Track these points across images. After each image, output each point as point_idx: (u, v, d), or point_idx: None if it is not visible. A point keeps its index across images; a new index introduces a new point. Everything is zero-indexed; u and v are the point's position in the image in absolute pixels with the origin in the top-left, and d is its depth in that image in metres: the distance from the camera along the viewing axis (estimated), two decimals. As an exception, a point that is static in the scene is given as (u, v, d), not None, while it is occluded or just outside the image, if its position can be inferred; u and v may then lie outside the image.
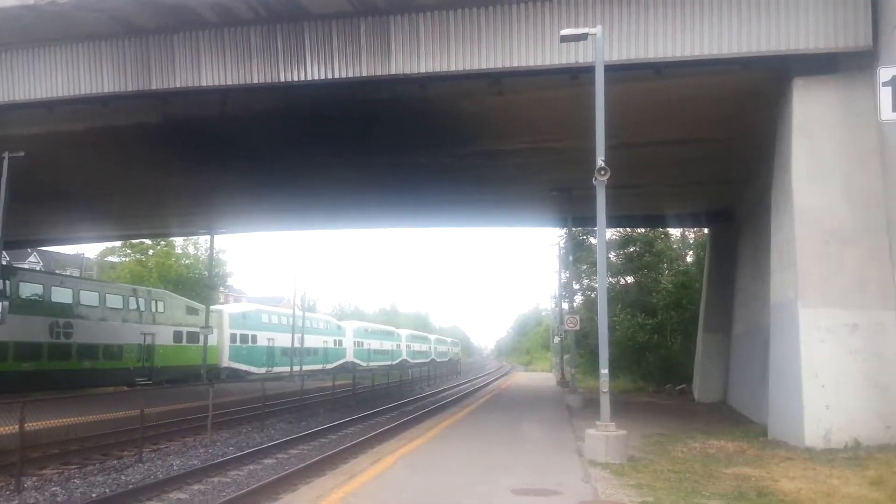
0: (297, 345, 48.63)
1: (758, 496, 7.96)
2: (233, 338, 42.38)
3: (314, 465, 13.09)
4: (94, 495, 10.95)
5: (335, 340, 61.09)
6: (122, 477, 12.56)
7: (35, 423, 13.60)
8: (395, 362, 71.44)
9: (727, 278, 24.43)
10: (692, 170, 21.02)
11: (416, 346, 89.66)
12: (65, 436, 15.83)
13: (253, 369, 42.73)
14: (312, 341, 54.53)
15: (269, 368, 44.74)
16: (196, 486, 11.85)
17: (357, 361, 63.01)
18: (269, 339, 46.50)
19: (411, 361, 75.93)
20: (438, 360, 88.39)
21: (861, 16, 12.31)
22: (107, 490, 11.40)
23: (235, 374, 40.64)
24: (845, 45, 12.46)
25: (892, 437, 10.85)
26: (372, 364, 63.31)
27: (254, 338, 44.86)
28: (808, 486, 8.39)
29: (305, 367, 47.73)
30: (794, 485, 8.52)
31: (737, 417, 18.72)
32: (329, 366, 54.84)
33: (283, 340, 47.95)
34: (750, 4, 12.68)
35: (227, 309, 45.03)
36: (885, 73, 5.48)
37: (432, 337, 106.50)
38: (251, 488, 11.12)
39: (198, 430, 18.02)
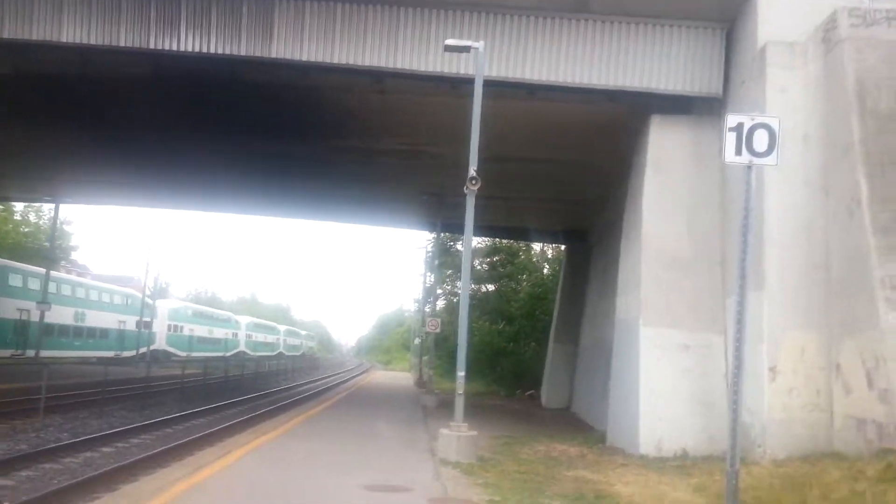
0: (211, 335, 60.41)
1: (595, 498, 8.53)
2: (169, 327, 52.52)
3: (157, 456, 12.47)
4: None
5: (233, 333, 67.84)
6: (-67, 462, 11.38)
7: None
8: (228, 353, 64.75)
9: (578, 293, 25.82)
10: (555, 188, 22.13)
11: (261, 337, 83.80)
12: None
13: (180, 353, 51.72)
14: (218, 333, 64.19)
15: (189, 353, 52.54)
16: (24, 473, 10.96)
17: (247, 351, 68.50)
18: (190, 330, 56.29)
19: (251, 353, 70.54)
20: (288, 353, 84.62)
21: (715, 67, 13.57)
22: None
23: (168, 356, 49.37)
24: (700, 90, 13.66)
25: (716, 449, 11.86)
26: (258, 354, 67.02)
27: (181, 328, 55.10)
28: (641, 491, 9.09)
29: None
30: (629, 489, 9.20)
31: (580, 424, 19.80)
32: (227, 353, 60.37)
33: (200, 331, 58.81)
34: (620, 43, 13.60)
35: (164, 304, 55.53)
36: (731, 120, 6.09)
37: (282, 328, 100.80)
38: (87, 477, 10.44)
39: (28, 414, 16.66)
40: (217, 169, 22.49)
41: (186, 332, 59.44)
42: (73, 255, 60.07)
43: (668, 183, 13.73)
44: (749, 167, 6.06)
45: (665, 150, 13.80)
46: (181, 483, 8.00)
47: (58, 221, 38.64)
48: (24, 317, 35.45)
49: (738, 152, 6.05)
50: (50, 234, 39.00)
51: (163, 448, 13.42)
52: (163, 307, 56.12)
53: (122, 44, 13.81)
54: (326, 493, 8.02)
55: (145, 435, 15.86)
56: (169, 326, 56.09)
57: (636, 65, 13.57)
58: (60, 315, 38.83)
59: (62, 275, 46.04)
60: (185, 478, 8.34)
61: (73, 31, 13.73)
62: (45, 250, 39.68)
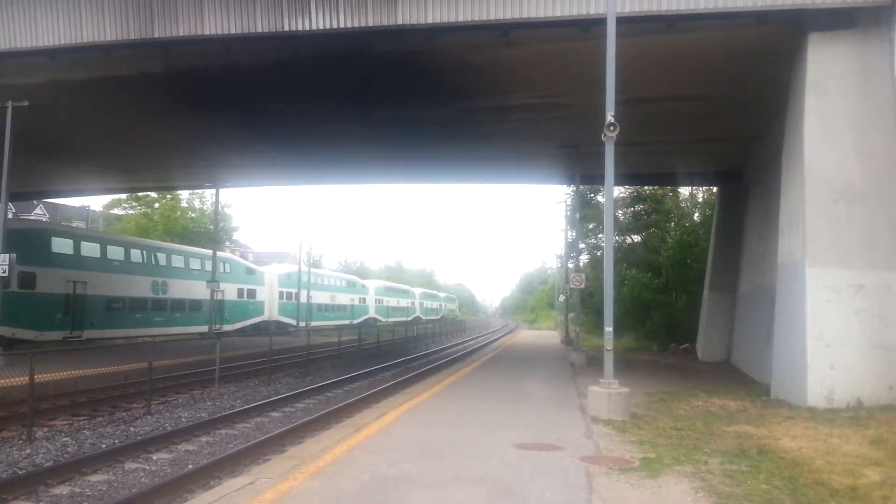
0: (331, 302, 57.64)
1: (759, 454, 8.00)
2: (280, 295, 48.89)
3: (320, 419, 13.27)
4: (103, 446, 11.13)
5: (360, 298, 66.49)
6: (132, 429, 12.76)
7: (45, 375, 13.80)
8: (356, 321, 67.93)
9: (735, 238, 24.34)
10: (703, 127, 20.75)
11: (393, 301, 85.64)
12: (74, 388, 16.05)
13: (295, 322, 48.02)
14: (342, 299, 62.07)
15: (309, 322, 48.64)
16: (204, 438, 12.04)
17: (378, 317, 67.92)
18: (308, 297, 50.90)
19: (383, 320, 73.76)
20: (426, 317, 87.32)
21: (882, -33, 11.96)
22: (116, 441, 11.58)
23: (282, 327, 45.75)
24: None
25: (895, 398, 10.87)
26: (391, 320, 67.73)
27: (296, 295, 49.61)
28: (809, 445, 8.43)
29: (335, 322, 53.58)
30: (796, 443, 8.56)
31: (740, 377, 18.81)
32: (355, 321, 60.41)
33: (319, 298, 54.96)
34: (768, -44, 12.32)
35: (275, 270, 51.46)
36: (905, 28, 5.27)
37: (417, 290, 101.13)
38: (258, 440, 11.29)
39: (205, 384, 18.27)
40: (353, 142, 23.20)
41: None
42: (235, 236, 64.76)
43: (831, 107, 12.41)
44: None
45: (826, 71, 12.47)
46: (342, 444, 8.37)
47: (219, 205, 41.57)
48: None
49: (915, 62, 5.26)
50: (213, 218, 42.12)
51: (324, 411, 14.27)
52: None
53: (259, 30, 14.46)
54: (479, 450, 8.08)
55: (308, 399, 16.94)
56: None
57: (787, -21, 12.26)
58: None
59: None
60: (346, 439, 8.71)
61: (214, 24, 14.54)
62: (211, 233, 42.99)
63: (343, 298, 61.90)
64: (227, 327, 38.74)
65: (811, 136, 12.47)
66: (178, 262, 37.37)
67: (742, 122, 19.43)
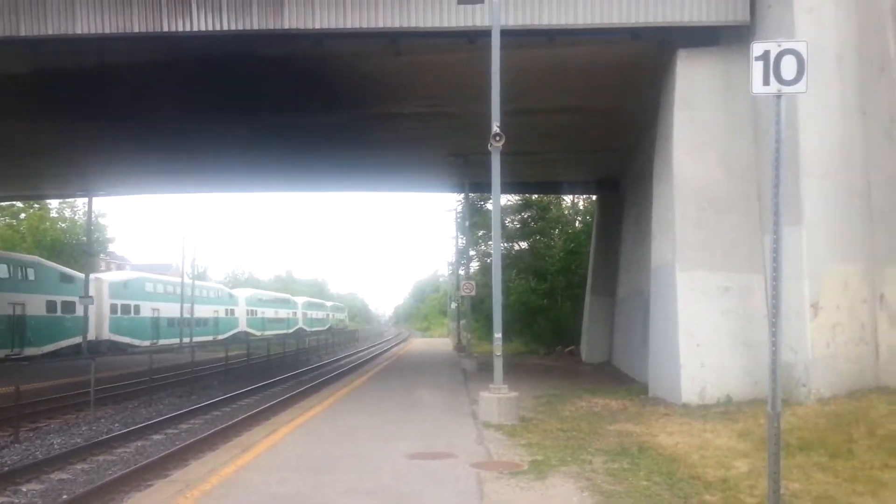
0: (185, 315, 46.79)
1: (639, 451, 8.41)
2: (113, 308, 39.33)
3: (206, 439, 12.75)
4: (-38, 479, 10.20)
5: (227, 310, 57.40)
6: (-4, 459, 11.77)
7: None
8: (291, 331, 69.65)
9: (612, 244, 25.50)
10: (584, 138, 21.65)
11: (314, 314, 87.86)
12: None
13: (136, 342, 40.64)
14: (202, 311, 51.69)
15: (155, 341, 42.60)
16: (79, 466, 11.28)
17: (250, 331, 60.14)
18: (153, 310, 43.75)
19: (308, 329, 74.65)
20: (310, 328, 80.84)
21: (740, -8, 12.92)
22: (-23, 473, 10.65)
23: (117, 347, 38.49)
24: (726, 18, 13.02)
25: (760, 392, 11.66)
26: (267, 333, 60.50)
27: (136, 308, 42.00)
28: (685, 440, 8.96)
29: (195, 339, 45.99)
30: (672, 439, 9.07)
31: (621, 377, 19.68)
32: (221, 336, 52.28)
33: (169, 311, 45.90)
34: (638, -25, 13.02)
35: (106, 277, 41.77)
36: (757, 48, 5.73)
37: (328, 303, 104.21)
38: (139, 465, 10.70)
39: (80, 407, 17.11)
40: (240, 148, 22.50)
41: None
42: (111, 247, 61.16)
43: (698, 119, 13.26)
44: (778, 96, 5.72)
45: (693, 86, 13.31)
46: (230, 464, 8.06)
47: (92, 215, 39.17)
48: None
49: (766, 82, 5.71)
50: (86, 229, 39.62)
51: (211, 431, 13.79)
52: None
53: (135, 29, 13.68)
54: (372, 463, 8.03)
55: (194, 420, 16.27)
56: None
57: (657, -1, 13.01)
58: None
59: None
60: (234, 459, 8.43)
61: (86, 23, 13.64)
62: (83, 245, 40.45)
63: (204, 311, 52.41)
64: (30, 351, 30.85)
65: (679, 147, 13.27)
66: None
67: (619, 134, 20.43)
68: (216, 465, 8.15)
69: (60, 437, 13.70)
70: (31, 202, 46.58)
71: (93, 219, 39.94)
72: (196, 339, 46.37)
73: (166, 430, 14.68)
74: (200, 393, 21.21)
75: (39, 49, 14.66)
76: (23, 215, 49.13)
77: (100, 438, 13.22)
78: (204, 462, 8.77)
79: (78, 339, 33.81)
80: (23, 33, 13.79)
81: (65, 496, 9.26)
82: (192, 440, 12.76)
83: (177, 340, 44.39)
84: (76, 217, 50.08)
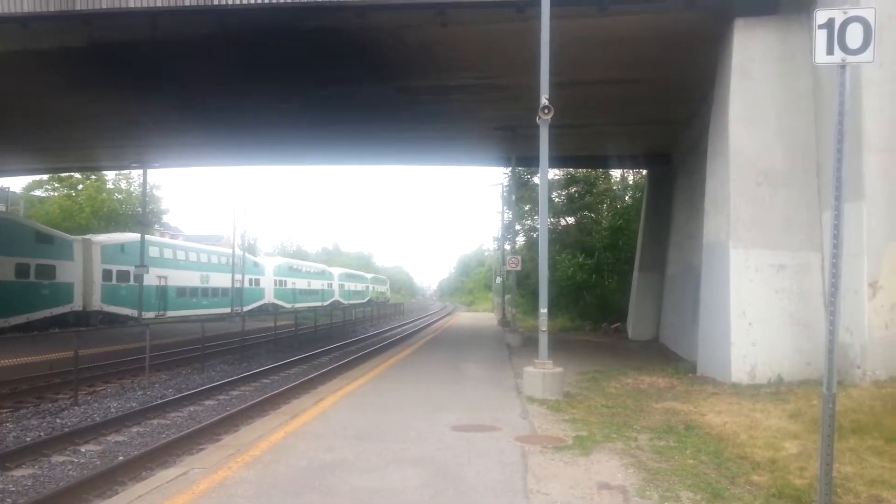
0: (201, 284, 43.57)
1: (685, 429, 8.32)
2: (106, 275, 34.85)
3: (255, 406, 13.09)
4: (28, 439, 10.71)
5: (251, 280, 51.97)
6: (58, 420, 12.31)
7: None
8: (326, 303, 65.79)
9: (663, 219, 25.04)
10: (634, 110, 21.18)
11: (351, 286, 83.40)
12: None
13: (136, 313, 34.87)
14: (220, 280, 47.10)
15: (161, 312, 38.75)
16: (135, 429, 11.71)
17: (279, 303, 56.67)
18: (159, 278, 39.03)
19: (344, 302, 70.97)
20: (347, 301, 75.86)
21: (803, -45, 12.38)
22: (41, 434, 11.16)
23: (112, 320, 34.57)
24: (786, -16, 12.56)
25: (812, 373, 11.41)
26: (298, 306, 56.04)
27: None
28: (733, 420, 8.81)
29: (211, 311, 43.21)
30: (720, 418, 8.93)
31: (668, 355, 19.43)
32: (240, 308, 46.84)
33: (180, 279, 41.68)
34: (696, -58, 12.59)
35: (97, 239, 36.04)
36: (821, 16, 5.46)
37: (369, 275, 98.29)
38: (191, 430, 11.05)
39: (135, 373, 17.73)
40: (288, 122, 22.74)
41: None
42: (165, 219, 62.82)
43: (755, 91, 12.82)
44: (843, 67, 5.47)
45: (751, 56, 12.85)
46: (279, 431, 8.27)
47: (147, 186, 40.12)
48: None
49: (830, 51, 5.45)
50: (141, 200, 40.69)
51: (260, 398, 14.12)
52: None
53: (186, 2, 13.88)
54: (417, 433, 8.13)
55: (244, 386, 16.68)
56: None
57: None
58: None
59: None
60: (283, 426, 8.64)
61: (140, -4, 13.89)
62: (139, 215, 41.56)
63: (222, 280, 47.18)
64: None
65: (736, 119, 12.88)
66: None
67: (671, 106, 19.92)
68: (265, 431, 8.36)
69: (117, 401, 14.23)
70: (88, 173, 47.97)
71: (147, 190, 40.97)
72: (212, 311, 43.52)
73: (217, 397, 15.11)
74: (250, 361, 21.75)
75: (94, 23, 14.97)
76: (80, 186, 50.75)
77: (154, 403, 13.69)
78: (254, 428, 9.00)
79: (60, 310, 30.71)
80: (78, 7, 14.09)
81: (120, 457, 9.63)
82: (242, 406, 13.12)
83: (188, 312, 40.44)
84: (131, 188, 51.48)
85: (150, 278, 36.65)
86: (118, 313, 34.83)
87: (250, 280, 51.19)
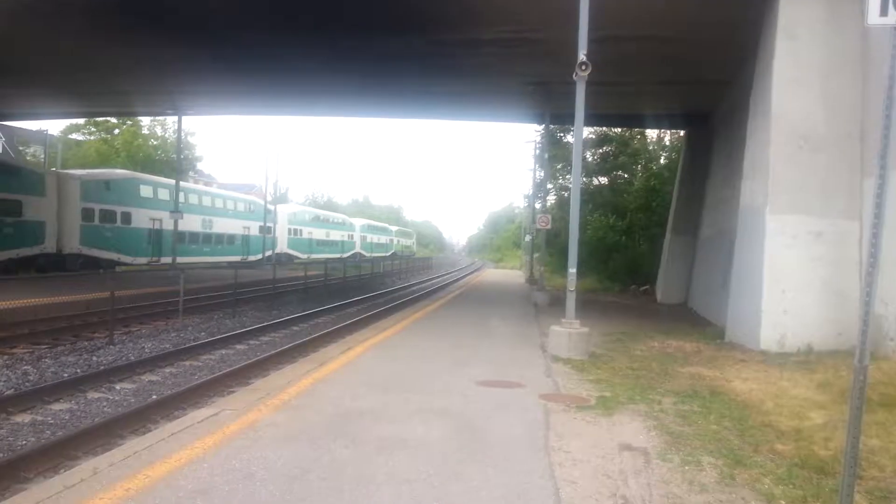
0: (203, 230, 40.65)
1: (711, 395, 8.30)
2: (87, 214, 31.17)
3: (285, 352, 13.36)
4: (65, 375, 11.08)
5: (262, 227, 46.95)
6: (94, 358, 12.70)
7: (2, 303, 13.59)
8: (345, 255, 64.48)
9: (699, 181, 24.60)
10: (673, 69, 20.62)
11: (374, 238, 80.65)
12: (32, 316, 15.84)
13: (123, 257, 33.27)
14: (225, 226, 43.79)
15: (155, 258, 35.88)
16: (168, 370, 12.05)
17: (293, 253, 54.12)
18: (152, 220, 35.51)
19: (366, 255, 69.19)
20: (369, 254, 73.66)
21: (858, -89, 11.79)
22: (78, 370, 11.54)
23: (95, 264, 31.27)
24: (838, -60, 12.00)
25: (843, 343, 11.25)
26: (315, 257, 54.91)
27: (125, 216, 33.65)
28: (759, 387, 8.76)
29: (215, 259, 41.45)
30: (746, 385, 8.89)
31: (697, 319, 19.31)
32: (251, 257, 45.46)
33: (189, 223, 38.42)
34: None
35: (78, 174, 32.35)
36: (877, -24, 5.20)
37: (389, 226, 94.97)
38: (223, 372, 11.35)
39: (169, 315, 18.16)
40: (320, 72, 22.56)
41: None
42: (199, 166, 63.43)
43: (800, 53, 12.40)
44: (897, 29, 5.23)
45: (797, 16, 12.40)
46: (307, 377, 8.47)
47: (182, 133, 40.38)
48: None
49: (884, 12, 5.19)
50: (176, 146, 41.00)
51: (290, 345, 14.35)
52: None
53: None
54: (443, 386, 8.25)
55: (274, 333, 16.99)
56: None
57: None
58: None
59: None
60: (311, 372, 8.83)
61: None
62: (173, 162, 41.92)
63: (227, 226, 43.96)
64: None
65: (780, 80, 12.50)
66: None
67: (712, 66, 19.35)
68: (294, 377, 8.55)
69: (151, 342, 14.63)
70: (124, 119, 48.40)
71: (182, 137, 41.22)
72: (216, 258, 41.28)
73: (248, 342, 15.44)
74: (281, 308, 22.12)
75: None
76: (116, 131, 51.32)
77: (187, 345, 14.04)
78: (283, 373, 9.20)
79: (28, 251, 27.76)
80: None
81: (154, 396, 9.95)
82: (272, 352, 13.41)
83: (187, 259, 37.21)
84: (166, 135, 51.89)
85: (139, 219, 34.24)
86: (100, 257, 31.47)
87: (260, 227, 47.15)
